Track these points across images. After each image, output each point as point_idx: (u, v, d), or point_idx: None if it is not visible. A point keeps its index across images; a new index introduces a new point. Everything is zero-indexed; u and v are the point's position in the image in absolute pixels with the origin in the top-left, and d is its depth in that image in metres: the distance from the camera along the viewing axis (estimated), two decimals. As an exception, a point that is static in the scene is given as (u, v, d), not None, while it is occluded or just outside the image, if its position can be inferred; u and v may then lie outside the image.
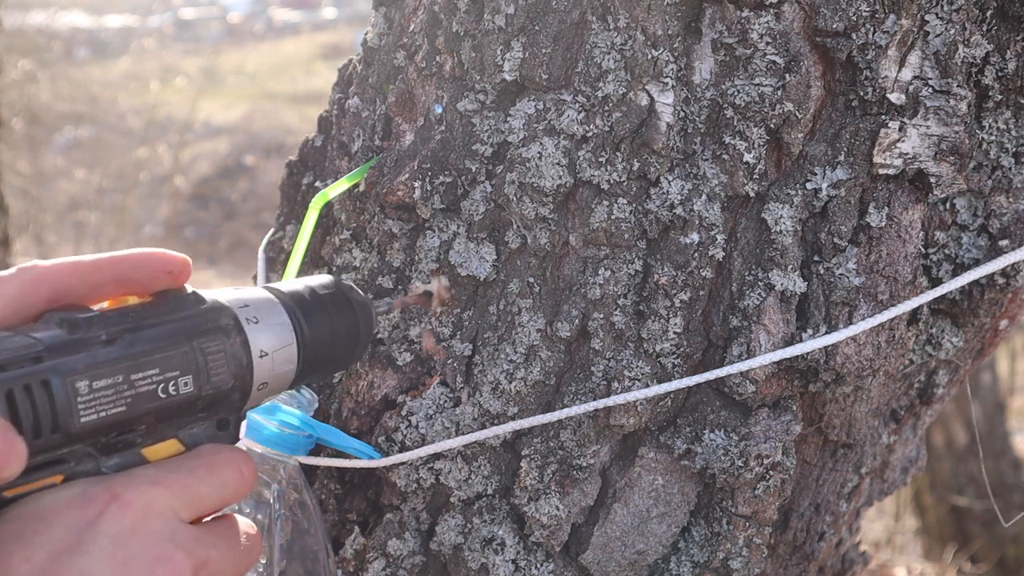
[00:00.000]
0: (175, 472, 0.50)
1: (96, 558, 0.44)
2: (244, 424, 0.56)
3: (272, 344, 0.55)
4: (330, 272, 0.86)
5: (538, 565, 0.79)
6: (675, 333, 0.75)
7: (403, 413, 0.79)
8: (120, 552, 0.45)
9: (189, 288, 0.54)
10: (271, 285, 0.59)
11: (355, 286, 0.66)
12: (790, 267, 0.74)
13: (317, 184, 0.90)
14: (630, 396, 0.74)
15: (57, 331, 0.46)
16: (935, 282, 0.78)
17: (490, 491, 0.81)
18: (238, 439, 0.56)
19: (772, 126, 0.72)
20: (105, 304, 0.52)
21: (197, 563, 0.48)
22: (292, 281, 0.61)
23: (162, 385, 0.49)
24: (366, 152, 0.85)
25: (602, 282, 0.75)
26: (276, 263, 0.93)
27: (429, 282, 0.78)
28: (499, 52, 0.75)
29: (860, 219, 0.74)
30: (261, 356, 0.54)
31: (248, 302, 0.55)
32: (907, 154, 0.72)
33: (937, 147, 0.72)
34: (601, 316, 0.75)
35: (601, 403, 0.74)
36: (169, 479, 0.49)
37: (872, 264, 0.74)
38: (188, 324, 0.51)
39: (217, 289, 0.56)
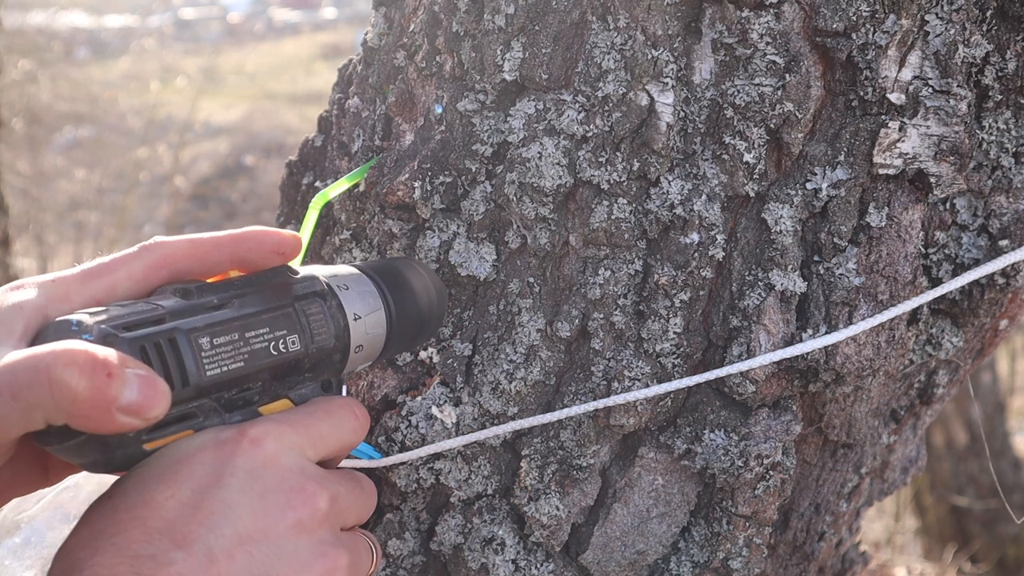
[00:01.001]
0: (296, 414, 0.54)
1: (235, 490, 0.48)
2: (344, 388, 0.62)
3: (363, 309, 0.60)
4: None
5: (538, 565, 0.79)
6: (675, 333, 0.75)
7: (403, 413, 0.79)
8: (257, 484, 0.49)
9: None
10: (352, 263, 0.64)
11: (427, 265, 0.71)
12: (790, 267, 0.74)
13: (317, 184, 0.90)
14: (630, 396, 0.74)
15: (174, 298, 0.51)
16: (935, 282, 0.78)
17: (490, 491, 0.81)
18: None
19: (772, 126, 0.72)
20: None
21: (330, 495, 0.51)
22: (370, 260, 0.65)
23: (273, 343, 0.53)
24: (366, 152, 0.85)
25: (602, 282, 0.75)
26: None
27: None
28: (499, 52, 0.75)
29: (860, 219, 0.74)
30: (355, 319, 0.59)
31: (335, 273, 0.60)
32: (907, 154, 0.72)
33: (937, 147, 0.72)
34: (601, 316, 0.75)
35: (601, 403, 0.74)
36: (292, 419, 0.53)
37: (872, 264, 0.74)
38: (288, 290, 0.56)
39: (303, 266, 0.60)
